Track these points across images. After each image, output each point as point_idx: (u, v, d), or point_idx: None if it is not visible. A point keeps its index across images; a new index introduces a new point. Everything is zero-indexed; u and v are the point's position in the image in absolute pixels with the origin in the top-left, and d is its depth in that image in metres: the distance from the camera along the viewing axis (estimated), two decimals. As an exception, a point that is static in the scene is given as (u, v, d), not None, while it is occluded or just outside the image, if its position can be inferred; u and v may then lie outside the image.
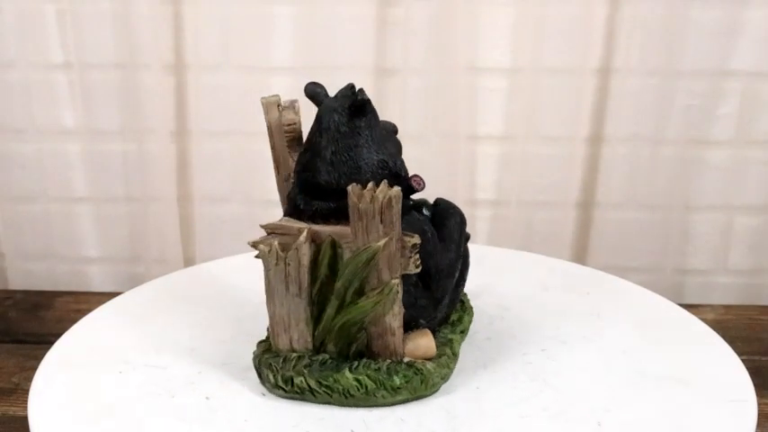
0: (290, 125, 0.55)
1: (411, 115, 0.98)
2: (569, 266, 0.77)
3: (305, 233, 0.50)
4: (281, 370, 0.52)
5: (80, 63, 0.98)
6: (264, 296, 0.56)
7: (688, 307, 0.67)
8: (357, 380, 0.51)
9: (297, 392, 0.52)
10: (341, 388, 0.51)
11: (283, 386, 0.52)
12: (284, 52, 0.98)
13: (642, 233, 1.03)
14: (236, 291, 0.67)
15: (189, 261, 1.07)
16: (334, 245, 0.50)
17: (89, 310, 0.65)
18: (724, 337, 0.61)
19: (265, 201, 1.04)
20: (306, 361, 0.52)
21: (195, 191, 1.04)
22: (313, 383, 0.52)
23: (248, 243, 0.51)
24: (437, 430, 0.49)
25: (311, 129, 0.52)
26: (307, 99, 0.55)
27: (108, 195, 1.04)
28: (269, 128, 0.56)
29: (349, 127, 0.51)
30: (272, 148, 0.56)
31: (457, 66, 0.96)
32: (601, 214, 1.03)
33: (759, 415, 0.52)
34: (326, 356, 0.53)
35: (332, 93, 0.96)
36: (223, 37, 0.96)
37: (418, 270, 0.50)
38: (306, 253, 0.50)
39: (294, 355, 0.53)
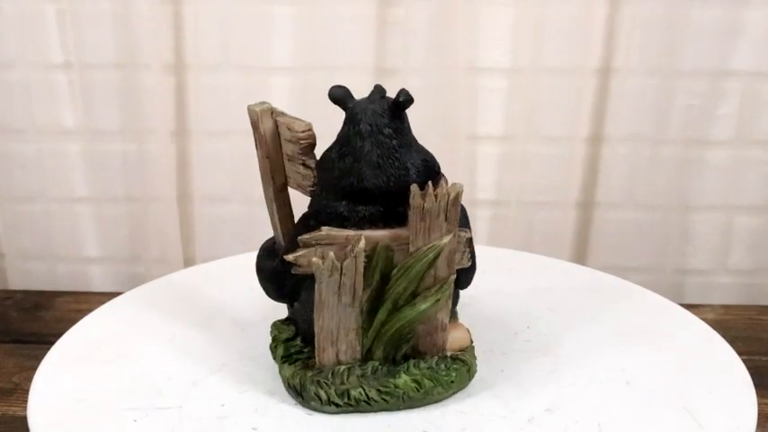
0: (305, 131, 0.52)
1: (411, 115, 0.97)
2: (569, 266, 0.77)
3: (362, 240, 0.48)
4: (332, 385, 0.51)
5: (80, 63, 0.98)
6: (265, 296, 0.57)
7: (688, 307, 0.67)
8: (415, 381, 0.52)
9: (351, 405, 0.51)
10: (400, 392, 0.51)
11: (337, 401, 0.51)
12: (284, 52, 0.98)
13: (642, 233, 1.03)
14: (236, 291, 0.67)
15: (189, 261, 1.07)
16: (386, 249, 0.50)
17: (89, 310, 0.65)
18: (724, 337, 0.61)
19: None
20: (358, 371, 0.52)
21: (195, 191, 1.04)
22: (373, 393, 0.51)
23: (294, 260, 0.49)
24: (501, 414, 0.51)
25: (344, 133, 0.50)
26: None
27: (108, 195, 1.04)
28: (262, 137, 0.54)
29: (391, 128, 0.50)
30: (266, 157, 0.54)
31: (457, 66, 0.96)
32: (601, 214, 1.03)
33: (759, 415, 0.52)
34: (376, 363, 0.52)
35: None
36: (223, 37, 0.96)
37: (469, 264, 0.51)
38: (363, 260, 0.49)
39: (342, 367, 0.51)
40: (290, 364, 0.53)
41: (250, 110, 0.54)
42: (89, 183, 1.04)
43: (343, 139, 0.50)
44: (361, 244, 0.48)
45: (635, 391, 0.54)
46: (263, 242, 0.58)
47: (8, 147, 1.02)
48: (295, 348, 0.54)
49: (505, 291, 0.68)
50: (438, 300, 0.51)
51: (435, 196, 0.48)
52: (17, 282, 1.08)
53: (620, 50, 0.96)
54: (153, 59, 0.96)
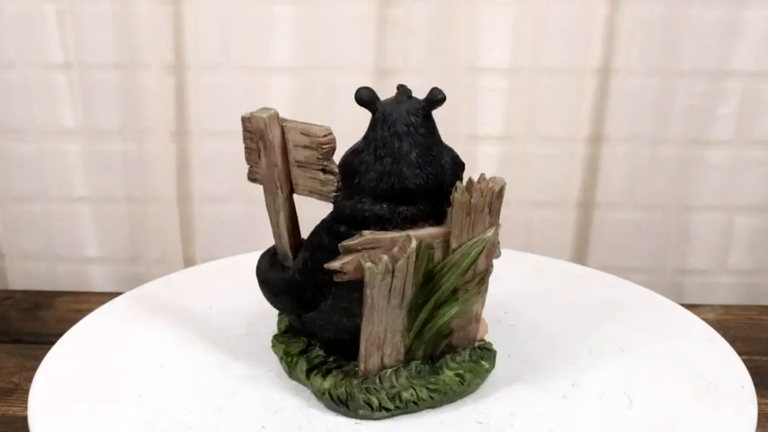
0: (326, 136, 0.51)
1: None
2: (569, 266, 0.77)
3: (413, 240, 0.48)
4: (382, 390, 0.51)
5: (80, 63, 0.98)
6: (263, 296, 0.57)
7: (688, 307, 0.67)
8: (458, 375, 0.53)
9: (400, 407, 0.51)
10: (447, 387, 0.52)
11: (388, 405, 0.51)
12: (284, 52, 0.98)
13: (642, 233, 1.03)
14: (236, 291, 0.67)
15: (189, 261, 1.07)
16: (428, 248, 0.50)
17: (89, 310, 0.65)
18: (724, 336, 0.61)
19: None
20: (404, 373, 0.52)
21: (195, 191, 1.04)
22: (423, 392, 0.51)
23: (341, 267, 0.48)
24: (537, 395, 0.54)
25: (378, 135, 0.50)
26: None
27: (108, 195, 1.04)
28: (270, 144, 0.53)
29: (425, 127, 0.51)
30: (273, 165, 0.53)
31: (457, 66, 0.96)
32: (601, 214, 1.03)
33: (759, 415, 0.52)
34: (418, 363, 0.52)
35: (335, 93, 0.96)
36: (223, 37, 0.96)
37: (499, 256, 0.52)
38: (414, 261, 0.49)
39: (389, 371, 0.51)
40: (323, 376, 0.52)
41: (255, 117, 0.53)
42: (89, 183, 1.04)
43: (378, 141, 0.50)
44: (413, 244, 0.48)
45: (635, 390, 0.54)
46: (263, 249, 0.58)
47: (8, 147, 1.02)
48: (318, 359, 0.54)
49: (505, 291, 0.68)
50: (478, 293, 0.51)
51: (481, 191, 0.48)
52: (17, 282, 1.08)
53: (620, 50, 0.96)
54: (153, 59, 0.96)
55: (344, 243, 0.48)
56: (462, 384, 0.52)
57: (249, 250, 0.82)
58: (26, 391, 0.54)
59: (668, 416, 0.51)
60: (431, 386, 0.52)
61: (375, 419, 0.51)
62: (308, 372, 0.53)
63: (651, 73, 0.96)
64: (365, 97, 0.52)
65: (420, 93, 1.04)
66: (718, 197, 1.02)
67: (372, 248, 0.48)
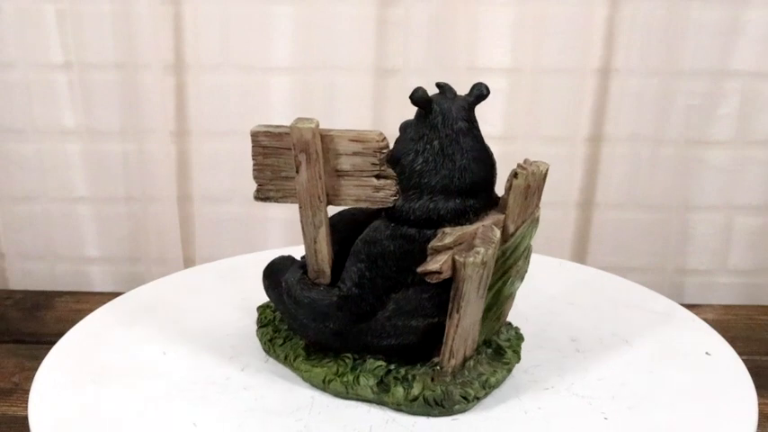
0: (382, 140, 0.50)
1: (411, 115, 0.97)
2: (570, 265, 0.77)
3: (496, 230, 0.50)
4: (476, 380, 0.52)
5: (80, 63, 0.98)
6: (265, 295, 0.57)
7: (688, 307, 0.67)
8: (515, 351, 0.55)
9: (488, 393, 0.53)
10: (511, 366, 0.55)
11: (480, 394, 0.52)
12: (284, 52, 0.98)
13: (642, 233, 1.03)
14: (236, 291, 0.67)
15: (189, 261, 1.07)
16: None
17: (89, 310, 0.65)
18: (724, 336, 0.61)
19: (265, 201, 1.04)
20: (484, 359, 0.54)
21: (195, 191, 1.04)
22: (504, 373, 0.54)
23: (439, 268, 0.48)
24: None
25: (442, 133, 0.51)
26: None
27: (108, 195, 1.04)
28: (314, 156, 0.50)
29: (476, 122, 0.52)
30: (318, 178, 0.51)
31: (457, 66, 0.96)
32: (601, 214, 1.03)
33: (759, 415, 0.51)
34: (484, 347, 0.54)
35: (335, 93, 0.96)
36: (223, 37, 0.96)
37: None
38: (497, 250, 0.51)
39: (471, 361, 0.52)
40: (403, 384, 0.51)
41: (299, 128, 0.50)
42: (89, 183, 1.04)
43: (444, 139, 0.51)
44: (498, 233, 0.50)
45: (636, 390, 0.54)
46: (263, 249, 0.58)
47: (8, 147, 1.02)
48: (381, 370, 0.53)
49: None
50: (527, 269, 0.53)
51: (533, 174, 0.50)
52: (17, 282, 1.08)
53: (620, 50, 0.96)
54: (153, 59, 0.96)
55: (435, 244, 0.49)
56: (519, 359, 0.55)
57: (249, 251, 0.82)
58: (26, 391, 0.54)
59: (668, 416, 0.51)
60: (505, 366, 0.54)
61: (464, 412, 0.51)
62: (385, 384, 0.52)
63: (651, 73, 0.96)
64: (425, 97, 0.51)
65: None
66: (718, 197, 1.02)
67: (459, 244, 0.49)
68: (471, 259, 0.48)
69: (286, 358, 0.55)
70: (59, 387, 0.54)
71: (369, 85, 0.98)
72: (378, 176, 0.51)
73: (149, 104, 0.98)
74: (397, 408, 0.51)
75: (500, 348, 0.55)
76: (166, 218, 1.03)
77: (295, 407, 0.52)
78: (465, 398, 0.50)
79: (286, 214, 1.04)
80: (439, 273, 0.48)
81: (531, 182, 0.51)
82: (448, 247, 0.49)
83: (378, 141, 0.50)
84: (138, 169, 1.02)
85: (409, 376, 0.51)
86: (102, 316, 0.64)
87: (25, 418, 0.51)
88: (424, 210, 0.50)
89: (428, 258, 0.49)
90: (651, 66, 0.95)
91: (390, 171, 0.51)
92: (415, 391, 0.51)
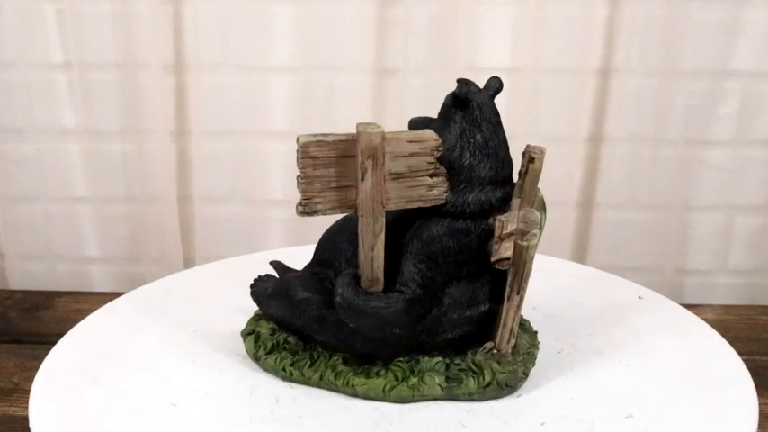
0: (436, 139, 0.51)
1: (411, 115, 0.97)
2: (570, 265, 0.77)
3: (537, 212, 0.52)
4: (528, 357, 0.55)
5: (80, 63, 0.98)
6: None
7: (688, 307, 0.67)
8: (531, 328, 0.60)
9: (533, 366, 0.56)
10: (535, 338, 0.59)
11: (529, 371, 0.55)
12: (284, 52, 0.98)
13: (642, 233, 1.03)
14: (236, 291, 0.67)
15: (189, 261, 1.07)
16: None
17: (89, 310, 0.65)
18: (724, 336, 0.61)
19: (265, 201, 1.04)
20: (523, 336, 0.57)
21: (195, 191, 1.04)
22: (539, 346, 0.58)
23: (509, 252, 0.51)
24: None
25: (481, 128, 0.52)
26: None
27: (108, 195, 1.04)
28: (380, 160, 0.49)
29: (500, 117, 0.54)
30: (381, 183, 0.49)
31: (457, 66, 0.96)
32: (601, 214, 1.03)
33: (759, 415, 0.51)
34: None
35: (335, 93, 0.96)
36: (223, 37, 0.96)
37: None
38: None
39: (514, 340, 0.54)
40: (473, 374, 0.53)
41: (368, 133, 0.49)
42: (89, 183, 1.04)
43: (485, 133, 0.52)
44: (537, 216, 0.52)
45: (636, 390, 0.54)
46: (264, 249, 0.58)
47: (8, 147, 1.02)
48: (441, 364, 0.53)
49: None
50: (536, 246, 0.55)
51: (540, 159, 0.53)
52: (17, 282, 1.08)
53: (620, 50, 0.96)
54: (153, 59, 0.96)
55: (502, 233, 0.51)
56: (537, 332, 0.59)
57: (249, 251, 0.82)
58: (26, 391, 0.54)
59: (668, 416, 0.51)
60: (536, 341, 0.58)
61: (519, 388, 0.54)
62: (449, 380, 0.52)
63: (651, 73, 0.96)
64: (465, 93, 0.53)
65: (420, 92, 1.04)
66: (718, 197, 1.02)
67: (511, 235, 0.52)
68: (533, 242, 0.50)
69: (321, 378, 0.54)
70: (59, 387, 0.54)
71: (369, 85, 0.98)
72: (432, 175, 0.51)
73: (149, 104, 0.98)
74: (470, 397, 0.52)
75: (522, 324, 0.58)
76: (166, 218, 1.03)
77: (371, 423, 0.50)
78: (525, 374, 0.54)
79: (286, 214, 1.04)
80: (508, 259, 0.51)
81: (540, 166, 0.53)
82: (511, 234, 0.51)
83: (435, 140, 0.51)
84: (138, 169, 1.02)
85: (473, 365, 0.53)
86: (102, 316, 0.64)
87: (25, 418, 0.51)
88: (477, 202, 0.52)
89: (495, 247, 0.51)
90: (651, 66, 0.95)
91: (442, 168, 0.52)
92: (487, 377, 0.52)
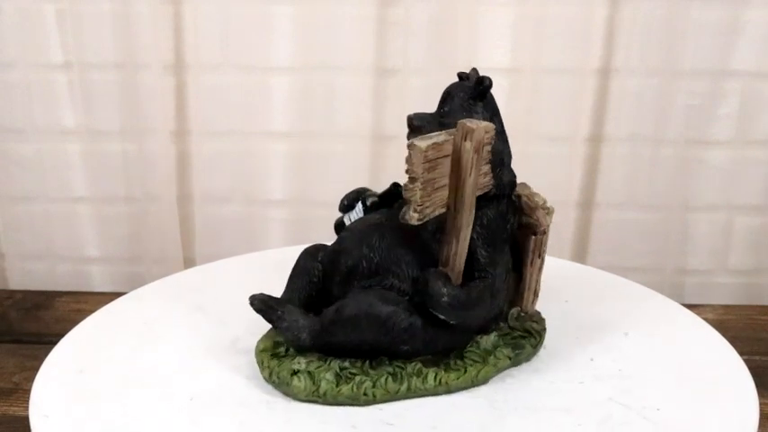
0: (491, 129, 0.53)
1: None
2: (570, 265, 0.77)
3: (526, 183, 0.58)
4: (539, 322, 0.59)
5: (80, 63, 0.98)
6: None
7: (688, 307, 0.67)
8: None
9: None
10: None
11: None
12: (284, 52, 0.98)
13: (642, 233, 1.03)
14: (237, 291, 0.67)
15: (189, 261, 1.07)
16: None
17: (89, 311, 0.65)
18: (724, 336, 0.61)
19: (265, 201, 1.04)
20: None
21: (195, 191, 1.04)
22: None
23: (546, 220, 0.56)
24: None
25: (499, 115, 0.56)
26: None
27: (108, 195, 1.04)
28: (481, 152, 0.50)
29: None
30: (478, 175, 0.51)
31: (457, 66, 0.95)
32: (601, 214, 1.03)
33: (759, 415, 0.51)
34: None
35: (335, 93, 0.96)
36: (223, 37, 0.96)
37: None
38: None
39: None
40: (526, 339, 0.57)
41: (479, 128, 0.50)
42: (89, 183, 1.04)
43: (500, 120, 0.56)
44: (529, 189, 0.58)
45: (636, 390, 0.54)
46: (263, 249, 0.58)
47: (8, 147, 1.02)
48: (497, 337, 0.56)
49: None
50: None
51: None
52: (17, 282, 1.08)
53: (620, 50, 0.96)
54: (153, 59, 0.96)
55: (538, 205, 0.56)
56: None
57: (249, 251, 0.82)
58: (26, 391, 0.54)
59: (668, 416, 0.51)
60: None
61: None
62: (514, 349, 0.56)
63: (651, 73, 0.96)
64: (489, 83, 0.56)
65: (420, 92, 1.04)
66: (718, 197, 1.02)
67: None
68: (551, 209, 0.57)
69: (409, 388, 0.53)
70: (59, 387, 0.54)
71: (369, 85, 0.98)
72: (487, 163, 0.53)
73: (149, 104, 0.98)
74: (527, 360, 0.57)
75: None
76: (166, 218, 1.03)
77: (483, 411, 0.52)
78: (545, 328, 0.58)
79: (286, 214, 1.04)
80: (547, 226, 0.56)
81: None
82: (538, 205, 0.56)
83: (494, 129, 0.53)
84: (138, 169, 1.02)
85: (522, 331, 0.57)
86: (102, 316, 0.64)
87: (25, 418, 0.51)
88: (511, 181, 0.56)
89: (533, 218, 0.56)
90: (651, 66, 0.95)
91: (490, 156, 0.54)
92: (537, 337, 0.57)
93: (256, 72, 0.98)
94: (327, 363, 0.53)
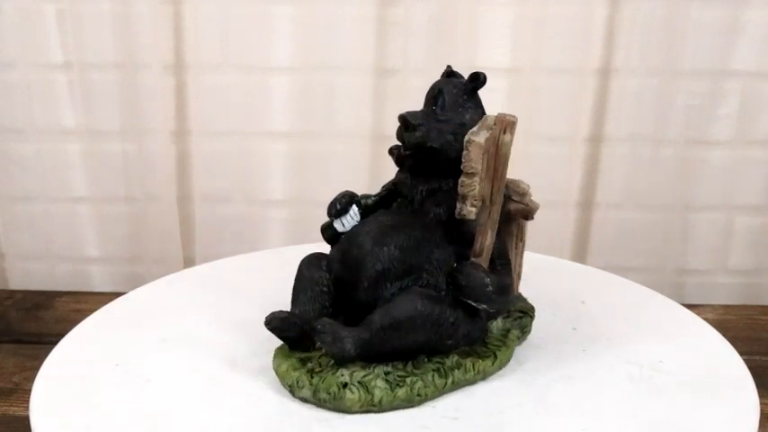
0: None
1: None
2: (570, 265, 0.77)
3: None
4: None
5: (80, 63, 0.98)
6: (266, 296, 0.56)
7: (688, 307, 0.67)
8: None
9: None
10: None
11: None
12: (284, 52, 0.98)
13: (642, 233, 1.03)
14: (237, 291, 0.67)
15: (189, 261, 1.07)
16: None
17: (89, 310, 0.65)
18: (724, 336, 0.61)
19: (265, 201, 1.04)
20: None
21: (195, 191, 1.04)
22: None
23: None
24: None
25: (484, 112, 0.58)
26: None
27: (108, 195, 1.04)
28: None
29: None
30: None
31: (457, 66, 0.95)
32: (601, 214, 1.03)
33: (760, 415, 0.51)
34: None
35: (335, 93, 0.97)
36: (223, 37, 0.96)
37: None
38: None
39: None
40: (524, 318, 0.60)
41: (508, 120, 0.52)
42: (89, 183, 1.04)
43: (482, 111, 0.58)
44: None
45: (636, 390, 0.54)
46: (263, 249, 0.58)
47: (8, 147, 1.02)
48: (502, 322, 0.58)
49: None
50: None
51: None
52: (17, 282, 1.08)
53: (620, 50, 0.96)
54: (153, 59, 0.96)
55: (528, 192, 0.58)
56: None
57: (249, 250, 0.82)
58: (26, 391, 0.54)
59: (668, 416, 0.51)
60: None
61: None
62: (520, 328, 0.59)
63: (651, 73, 0.96)
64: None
65: (420, 92, 1.03)
66: (718, 197, 1.02)
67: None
68: (536, 205, 0.58)
69: (454, 382, 0.53)
70: (59, 387, 0.54)
71: (369, 85, 0.98)
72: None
73: (149, 104, 0.98)
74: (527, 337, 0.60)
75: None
76: (166, 218, 1.03)
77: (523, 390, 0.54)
78: (533, 307, 0.62)
79: (286, 214, 1.04)
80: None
81: None
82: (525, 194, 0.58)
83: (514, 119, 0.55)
84: (138, 169, 1.02)
85: (517, 312, 0.60)
86: (102, 316, 0.64)
87: (25, 418, 0.51)
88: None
89: (524, 204, 0.58)
90: (651, 66, 0.95)
91: None
92: (531, 314, 0.60)
93: (256, 72, 0.98)
94: (372, 370, 0.52)
